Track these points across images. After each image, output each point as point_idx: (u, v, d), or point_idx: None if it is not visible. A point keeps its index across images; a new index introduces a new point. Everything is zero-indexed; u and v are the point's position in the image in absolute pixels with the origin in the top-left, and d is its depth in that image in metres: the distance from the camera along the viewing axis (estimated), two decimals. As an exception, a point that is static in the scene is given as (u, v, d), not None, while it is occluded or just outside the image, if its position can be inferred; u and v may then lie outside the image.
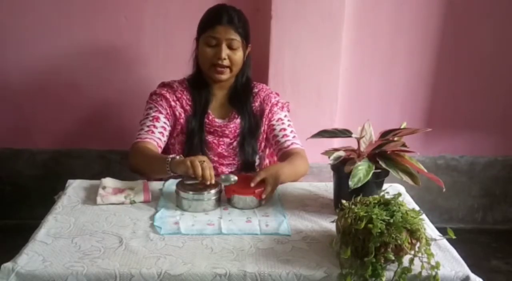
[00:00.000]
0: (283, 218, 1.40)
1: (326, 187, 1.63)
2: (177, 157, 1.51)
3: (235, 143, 1.81)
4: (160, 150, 1.73)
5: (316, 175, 2.48)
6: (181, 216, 1.40)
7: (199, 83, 1.82)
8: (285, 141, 1.80)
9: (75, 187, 1.57)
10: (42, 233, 1.27)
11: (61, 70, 2.39)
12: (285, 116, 1.87)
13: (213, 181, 1.43)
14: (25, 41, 2.33)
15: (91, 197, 1.49)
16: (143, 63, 2.39)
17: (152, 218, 1.38)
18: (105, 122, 2.48)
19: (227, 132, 1.79)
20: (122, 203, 1.47)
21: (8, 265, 1.13)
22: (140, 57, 2.39)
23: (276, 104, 1.86)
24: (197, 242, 1.26)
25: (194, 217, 1.39)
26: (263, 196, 1.47)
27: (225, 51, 1.71)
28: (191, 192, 1.43)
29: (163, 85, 1.85)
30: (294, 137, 1.82)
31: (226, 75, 1.75)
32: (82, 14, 2.31)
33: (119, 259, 1.17)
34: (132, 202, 1.48)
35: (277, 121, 1.84)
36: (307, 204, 1.52)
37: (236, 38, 1.72)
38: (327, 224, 1.37)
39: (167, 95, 1.79)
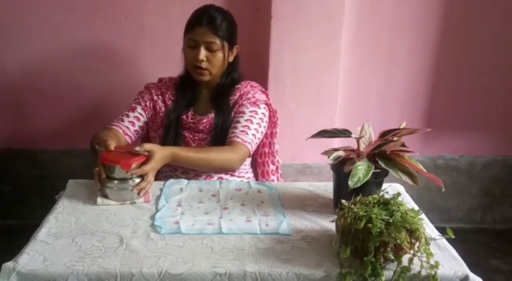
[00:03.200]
0: (283, 217, 1.41)
1: (326, 187, 1.63)
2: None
3: (209, 138, 1.82)
4: (128, 138, 1.79)
5: (316, 175, 2.48)
6: (182, 216, 1.40)
7: (187, 82, 1.85)
8: (231, 132, 1.74)
9: (76, 187, 1.57)
10: (43, 233, 1.28)
11: (61, 70, 2.39)
12: (252, 111, 1.77)
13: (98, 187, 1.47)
14: (25, 41, 2.33)
15: (91, 197, 1.49)
16: (143, 63, 2.40)
17: (152, 217, 1.39)
18: (105, 122, 2.47)
19: (201, 127, 1.81)
20: (123, 204, 1.47)
21: (9, 264, 1.13)
22: (140, 57, 2.39)
23: (249, 99, 1.80)
24: (197, 242, 1.27)
25: (194, 217, 1.40)
26: (133, 167, 1.44)
27: (202, 53, 1.72)
28: (116, 181, 1.46)
29: (158, 80, 1.93)
30: (242, 131, 1.72)
31: (206, 77, 1.77)
32: (82, 14, 2.31)
33: (119, 259, 1.17)
34: (133, 203, 1.48)
35: (238, 113, 1.79)
36: (307, 204, 1.52)
37: (215, 41, 1.71)
38: (327, 223, 1.38)
39: (152, 89, 1.87)
